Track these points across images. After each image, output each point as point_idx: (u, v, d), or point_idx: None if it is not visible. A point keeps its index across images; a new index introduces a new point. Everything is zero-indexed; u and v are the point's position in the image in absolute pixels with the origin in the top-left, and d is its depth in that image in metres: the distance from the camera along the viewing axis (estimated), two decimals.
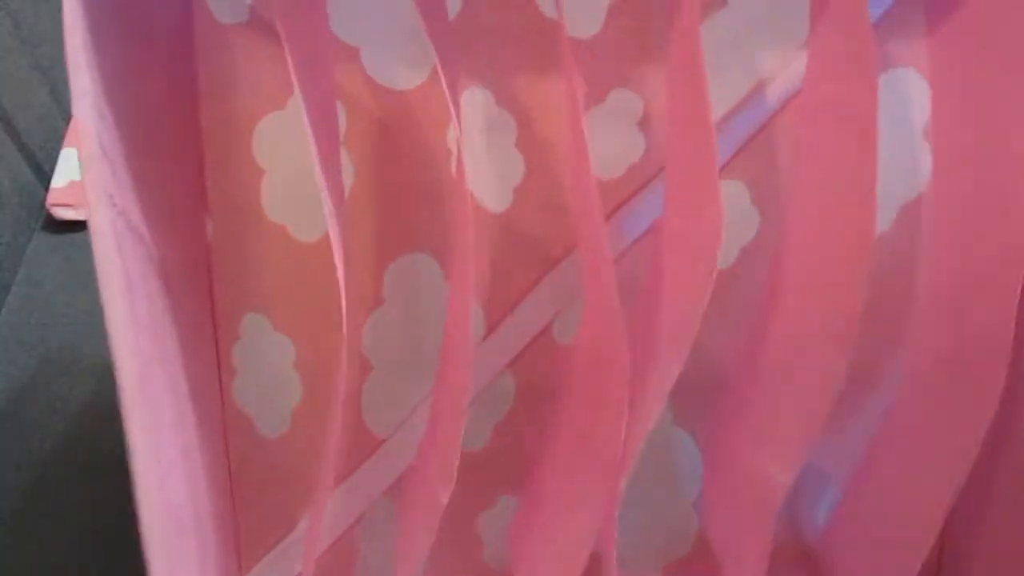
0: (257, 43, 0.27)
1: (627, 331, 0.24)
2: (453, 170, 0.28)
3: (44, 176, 0.45)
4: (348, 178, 0.28)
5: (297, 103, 0.23)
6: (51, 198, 0.44)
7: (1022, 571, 0.28)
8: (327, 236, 0.27)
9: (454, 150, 0.28)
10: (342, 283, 0.23)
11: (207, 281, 0.29)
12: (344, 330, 0.23)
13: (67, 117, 0.47)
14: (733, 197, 0.29)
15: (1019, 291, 0.24)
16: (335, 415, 0.24)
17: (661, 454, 0.30)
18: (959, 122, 0.27)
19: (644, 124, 0.29)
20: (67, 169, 0.45)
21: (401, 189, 0.28)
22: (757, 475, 0.27)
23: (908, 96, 0.28)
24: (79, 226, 0.44)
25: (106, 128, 0.23)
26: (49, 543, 0.37)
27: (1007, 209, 0.24)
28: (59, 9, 0.50)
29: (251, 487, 0.30)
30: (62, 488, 0.38)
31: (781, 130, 0.28)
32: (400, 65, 0.28)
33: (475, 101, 0.28)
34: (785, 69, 0.28)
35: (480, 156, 0.28)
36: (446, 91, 0.23)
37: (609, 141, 0.28)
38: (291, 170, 0.28)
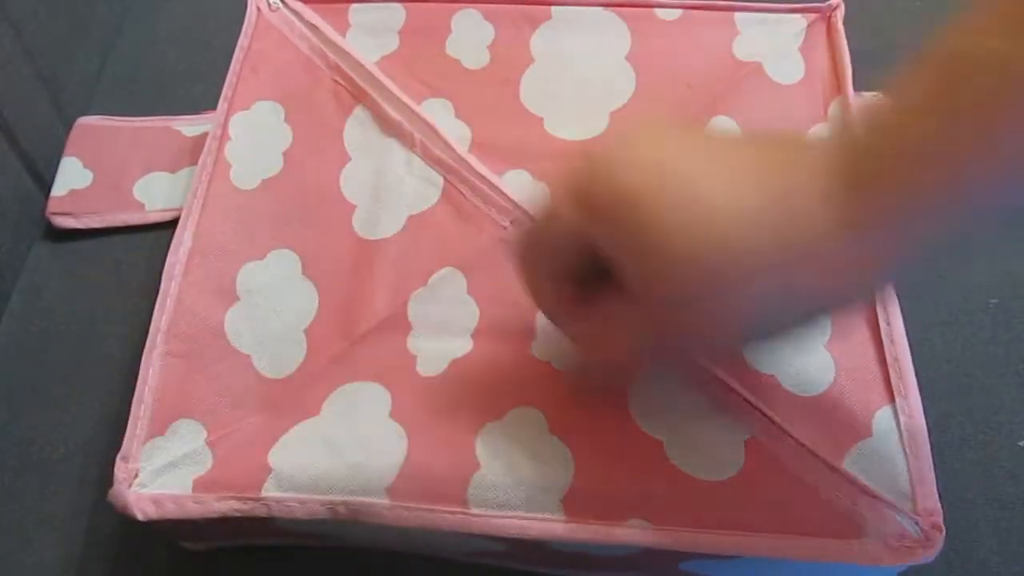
0: None
1: None
2: None
3: (45, 185, 0.45)
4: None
5: None
6: (51, 207, 0.44)
7: None
8: None
9: None
10: None
11: None
12: None
13: (68, 126, 0.47)
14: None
15: None
16: None
17: None
18: None
19: None
20: (67, 178, 0.45)
21: None
22: None
23: None
24: (79, 235, 0.44)
25: None
26: (50, 550, 0.37)
27: None
28: (61, 19, 0.51)
29: None
30: (63, 496, 0.38)
31: None
32: None
33: None
34: None
35: None
36: None
37: None
38: None
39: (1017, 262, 0.42)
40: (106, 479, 0.38)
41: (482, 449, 0.32)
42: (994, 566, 0.36)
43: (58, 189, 0.45)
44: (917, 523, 0.31)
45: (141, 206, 0.44)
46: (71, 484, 0.38)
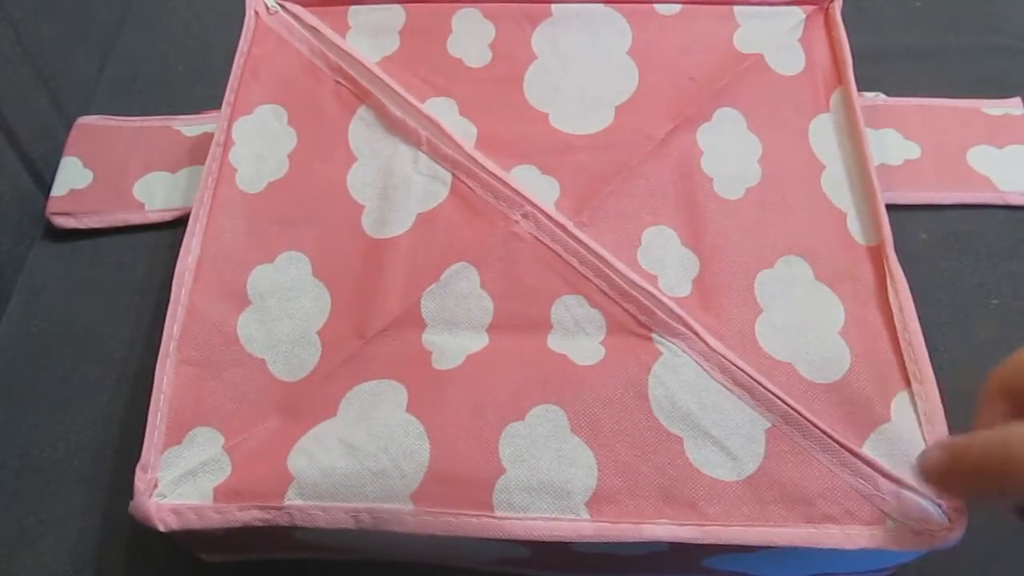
0: None
1: None
2: None
3: (44, 185, 0.45)
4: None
5: None
6: (51, 207, 0.44)
7: None
8: None
9: None
10: None
11: None
12: None
13: (68, 126, 0.47)
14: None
15: None
16: None
17: None
18: None
19: None
20: (67, 178, 0.45)
21: None
22: None
23: None
24: (79, 235, 0.44)
25: None
26: (50, 550, 0.37)
27: None
28: (60, 19, 0.51)
29: None
30: (62, 496, 0.38)
31: None
32: None
33: None
34: None
35: None
36: None
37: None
38: None
39: (1017, 262, 0.42)
40: (106, 481, 0.38)
41: (505, 452, 0.32)
42: (995, 566, 0.36)
43: (58, 189, 0.45)
44: (940, 506, 0.31)
45: (141, 206, 0.44)
46: (71, 484, 0.38)
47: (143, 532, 0.35)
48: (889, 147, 0.44)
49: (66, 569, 0.36)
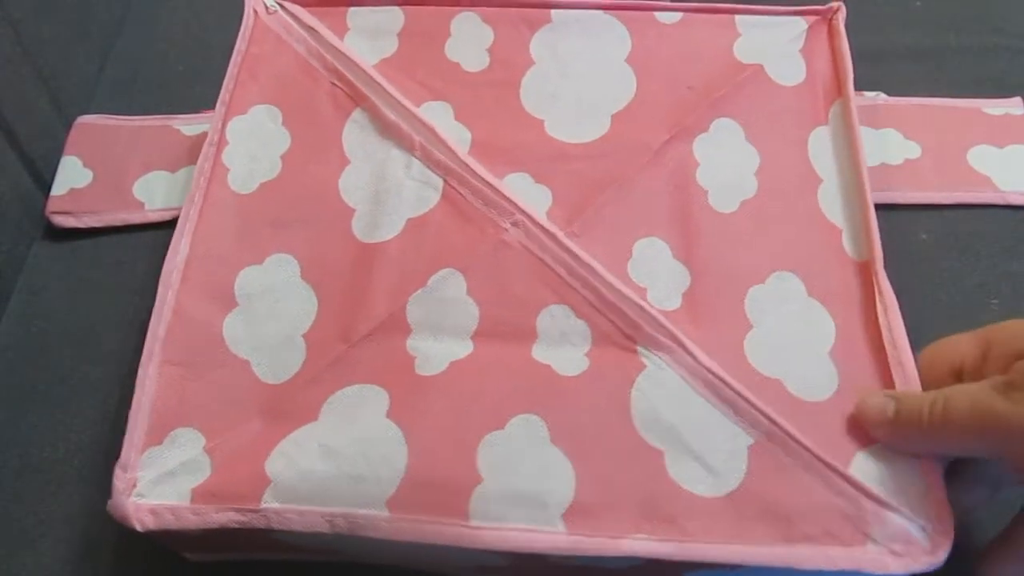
0: None
1: None
2: None
3: (44, 184, 0.45)
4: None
5: None
6: (51, 206, 0.44)
7: None
8: None
9: None
10: None
11: None
12: None
13: (67, 125, 0.47)
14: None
15: None
16: None
17: None
18: None
19: None
20: (67, 177, 0.45)
21: None
22: None
23: None
24: (79, 235, 0.44)
25: None
26: (50, 550, 0.37)
27: None
28: (60, 19, 0.51)
29: None
30: (61, 496, 0.38)
31: None
32: None
33: None
34: None
35: None
36: None
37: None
38: None
39: (1017, 262, 0.42)
40: (106, 481, 0.38)
41: (483, 461, 0.31)
42: None
43: (58, 188, 0.45)
44: (924, 529, 0.30)
45: (141, 205, 0.44)
46: (71, 485, 0.38)
47: (143, 534, 0.35)
48: (889, 147, 0.44)
49: (66, 569, 0.36)
